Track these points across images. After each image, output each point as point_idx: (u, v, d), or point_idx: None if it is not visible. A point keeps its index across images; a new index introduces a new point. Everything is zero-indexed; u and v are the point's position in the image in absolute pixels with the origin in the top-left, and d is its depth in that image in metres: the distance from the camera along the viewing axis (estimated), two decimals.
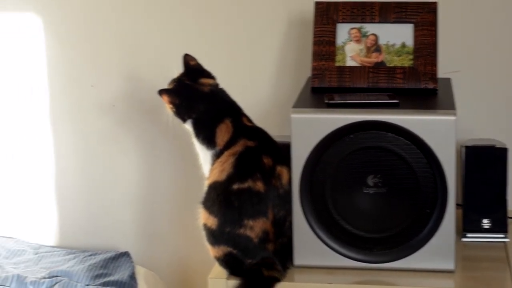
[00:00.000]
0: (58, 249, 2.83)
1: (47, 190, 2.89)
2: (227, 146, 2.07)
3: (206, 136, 2.10)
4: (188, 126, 2.14)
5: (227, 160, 2.04)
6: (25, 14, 2.77)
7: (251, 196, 2.00)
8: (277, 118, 2.54)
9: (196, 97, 2.13)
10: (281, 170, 2.04)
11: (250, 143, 2.06)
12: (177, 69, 2.22)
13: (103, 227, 2.87)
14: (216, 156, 2.07)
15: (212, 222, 2.02)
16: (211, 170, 2.07)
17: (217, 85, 2.18)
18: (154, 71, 2.70)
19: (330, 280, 2.00)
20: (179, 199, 2.79)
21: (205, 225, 2.04)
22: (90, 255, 2.75)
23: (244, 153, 2.04)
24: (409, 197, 1.99)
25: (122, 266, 2.66)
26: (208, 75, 2.20)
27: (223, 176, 2.02)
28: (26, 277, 2.52)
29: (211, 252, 2.06)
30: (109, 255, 2.73)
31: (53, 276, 2.55)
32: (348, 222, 2.02)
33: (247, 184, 2.00)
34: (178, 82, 2.17)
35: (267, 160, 2.04)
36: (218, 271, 2.06)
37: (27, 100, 2.85)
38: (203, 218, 2.05)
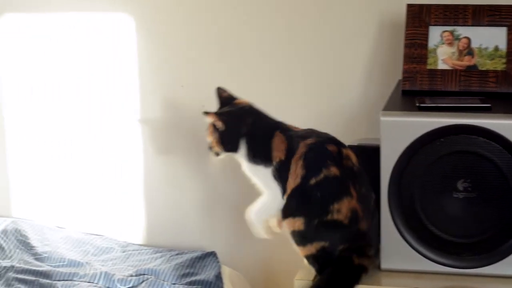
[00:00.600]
0: (146, 248, 2.88)
1: (136, 189, 2.94)
2: (289, 155, 2.10)
3: (263, 152, 2.14)
4: (240, 151, 2.17)
5: (297, 165, 2.08)
6: (117, 14, 2.83)
7: (330, 182, 2.03)
8: (366, 120, 2.55)
9: (241, 113, 2.19)
10: (347, 152, 2.08)
11: (309, 141, 2.09)
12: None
13: (190, 227, 2.91)
14: (278, 171, 2.11)
15: (299, 224, 2.05)
16: (288, 185, 2.10)
17: (250, 104, 2.22)
18: (245, 72, 2.73)
19: (418, 285, 2.00)
20: None
21: (293, 232, 2.07)
22: (177, 254, 2.79)
23: (308, 151, 2.08)
24: (500, 203, 1.97)
25: (208, 266, 2.68)
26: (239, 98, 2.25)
27: (298, 181, 2.07)
28: (113, 274, 2.57)
29: (301, 252, 2.08)
30: (195, 254, 2.76)
31: (140, 274, 2.59)
32: (437, 227, 2.01)
33: (322, 174, 2.04)
34: (219, 112, 2.22)
35: (331, 147, 2.07)
36: (305, 272, 2.07)
37: (117, 99, 2.91)
38: (289, 227, 2.08)
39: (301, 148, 2.10)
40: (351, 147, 2.12)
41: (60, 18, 2.89)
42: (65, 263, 2.67)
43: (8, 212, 3.04)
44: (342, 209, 2.02)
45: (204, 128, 2.23)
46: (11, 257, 2.67)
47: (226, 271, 2.69)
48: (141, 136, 2.90)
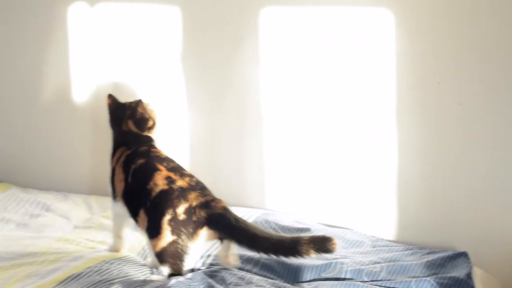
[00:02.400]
0: (396, 244, 2.90)
1: (389, 186, 2.98)
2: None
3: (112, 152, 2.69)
4: None
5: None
6: (377, 9, 2.88)
7: (140, 169, 2.52)
8: None
9: (117, 123, 2.70)
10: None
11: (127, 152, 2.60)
12: None
13: (442, 226, 2.91)
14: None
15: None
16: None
17: (138, 134, 2.66)
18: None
19: None
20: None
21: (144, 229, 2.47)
22: (428, 253, 2.78)
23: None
24: None
25: (459, 266, 2.65)
26: (139, 125, 2.67)
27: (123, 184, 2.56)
28: (362, 268, 2.60)
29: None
30: (446, 254, 2.74)
31: (389, 270, 2.61)
32: None
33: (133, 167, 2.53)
34: (123, 104, 2.70)
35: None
36: None
37: (372, 95, 2.95)
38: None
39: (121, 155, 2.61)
40: None
41: (320, 12, 2.98)
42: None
43: (262, 204, 3.20)
44: (158, 182, 2.43)
45: None
46: None
47: (477, 273, 2.66)
48: (395, 132, 2.93)
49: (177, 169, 2.49)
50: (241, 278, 2.48)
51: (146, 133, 2.67)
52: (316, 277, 2.56)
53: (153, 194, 2.43)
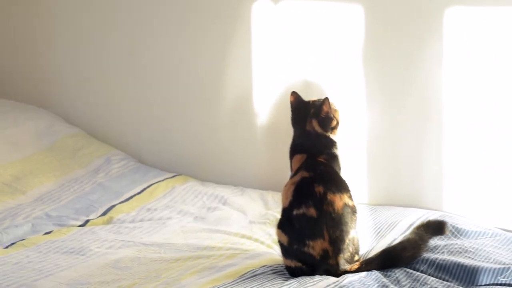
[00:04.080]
0: None
1: None
2: (293, 175, 2.60)
3: (290, 158, 2.68)
4: None
5: (289, 189, 2.55)
6: None
7: (307, 220, 2.47)
8: None
9: (300, 123, 2.67)
10: (333, 198, 2.46)
11: (305, 174, 2.54)
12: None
13: None
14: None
15: (284, 239, 2.53)
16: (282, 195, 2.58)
17: (322, 134, 2.64)
18: None
19: None
20: None
21: (279, 242, 2.56)
22: None
23: (299, 183, 2.53)
24: None
25: None
26: (323, 125, 2.64)
27: (286, 203, 2.53)
28: None
29: (283, 261, 2.56)
30: None
31: None
32: None
33: (302, 210, 2.48)
34: (307, 102, 2.70)
35: (318, 189, 2.48)
36: None
37: None
38: (277, 236, 2.56)
39: (298, 177, 2.55)
40: None
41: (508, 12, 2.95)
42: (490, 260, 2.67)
43: (440, 206, 3.17)
44: (315, 247, 2.46)
45: None
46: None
47: None
48: None
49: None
50: (416, 279, 2.48)
51: (329, 134, 2.67)
52: (493, 281, 2.51)
53: None
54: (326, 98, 2.63)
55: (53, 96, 4.07)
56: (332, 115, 2.65)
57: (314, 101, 2.69)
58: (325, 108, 2.63)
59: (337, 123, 2.67)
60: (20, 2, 4.08)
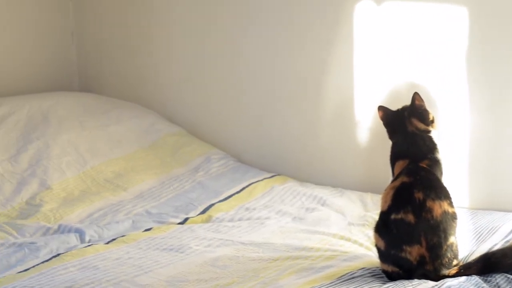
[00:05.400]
0: None
1: None
2: (394, 180, 2.60)
3: (391, 164, 2.70)
4: None
5: (388, 194, 2.55)
6: None
7: (404, 226, 2.47)
8: None
9: (399, 129, 2.70)
10: (432, 205, 2.45)
11: (405, 179, 2.54)
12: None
13: None
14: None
15: (381, 244, 2.53)
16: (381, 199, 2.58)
17: (425, 131, 2.67)
18: None
19: None
20: None
21: (376, 246, 2.57)
22: None
23: (399, 188, 2.53)
24: None
25: None
26: (423, 119, 2.68)
27: (385, 207, 2.53)
28: None
29: (380, 265, 2.56)
30: None
31: None
32: None
33: (400, 216, 2.48)
34: (397, 110, 2.75)
35: (418, 195, 2.48)
36: None
37: None
38: (375, 240, 2.58)
39: (398, 182, 2.55)
40: None
41: None
42: None
43: None
44: (412, 253, 2.46)
45: None
46: None
47: None
48: None
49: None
50: None
51: (430, 128, 2.68)
52: None
53: None
54: (416, 93, 2.71)
55: (157, 96, 4.16)
56: (425, 107, 2.71)
57: (402, 107, 2.75)
58: (417, 102, 2.71)
59: (433, 117, 2.72)
60: (135, 3, 4.17)
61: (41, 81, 4.32)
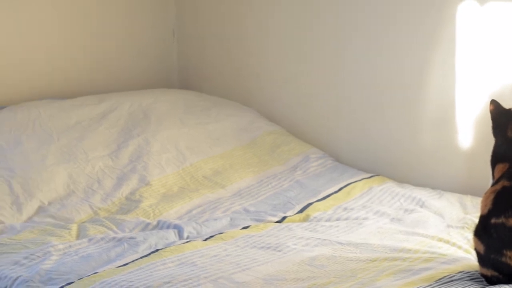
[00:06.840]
0: None
1: None
2: (494, 183, 2.52)
3: (491, 166, 2.62)
4: None
5: (489, 197, 2.49)
6: None
7: (505, 230, 2.41)
8: None
9: (501, 131, 2.61)
10: None
11: (507, 183, 2.47)
12: None
13: None
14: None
15: (480, 247, 2.49)
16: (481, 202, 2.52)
17: None
18: None
19: None
20: None
21: (476, 250, 2.52)
22: None
23: (500, 192, 2.46)
24: None
25: None
26: None
27: (485, 211, 2.47)
28: None
29: (479, 269, 2.51)
30: None
31: None
32: None
33: (501, 220, 2.42)
34: (508, 110, 2.63)
35: None
36: None
37: None
38: (474, 244, 2.53)
39: (499, 185, 2.49)
40: None
41: None
42: None
43: None
44: None
45: None
46: None
47: None
48: None
49: None
50: None
51: None
52: None
53: None
54: None
55: (257, 94, 4.20)
56: None
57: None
58: None
59: None
60: (236, 1, 4.24)
61: (142, 78, 4.41)
